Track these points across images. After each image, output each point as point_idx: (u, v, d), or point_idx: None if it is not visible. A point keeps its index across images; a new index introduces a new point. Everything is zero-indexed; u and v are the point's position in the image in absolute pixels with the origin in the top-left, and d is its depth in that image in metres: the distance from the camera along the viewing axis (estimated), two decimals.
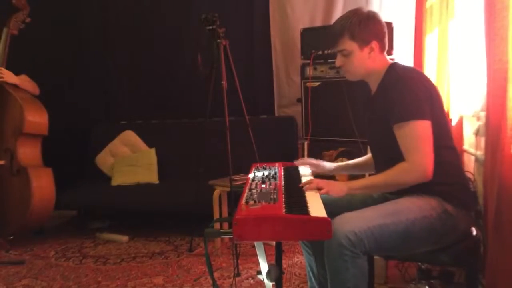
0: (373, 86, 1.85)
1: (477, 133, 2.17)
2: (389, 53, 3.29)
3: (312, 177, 2.01)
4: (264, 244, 1.67)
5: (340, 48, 1.80)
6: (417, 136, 1.62)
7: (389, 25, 3.31)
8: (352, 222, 1.53)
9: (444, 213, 1.65)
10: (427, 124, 1.63)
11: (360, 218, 1.57)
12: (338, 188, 1.72)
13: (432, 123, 1.65)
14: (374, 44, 1.77)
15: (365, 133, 2.01)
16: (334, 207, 1.76)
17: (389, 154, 1.72)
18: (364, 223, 1.54)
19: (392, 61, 1.82)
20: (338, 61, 1.84)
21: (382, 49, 1.80)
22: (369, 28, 1.75)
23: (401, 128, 1.65)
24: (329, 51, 3.24)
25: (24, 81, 3.56)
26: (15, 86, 3.52)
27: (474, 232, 1.77)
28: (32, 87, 3.60)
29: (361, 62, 1.79)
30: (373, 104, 1.84)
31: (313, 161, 2.11)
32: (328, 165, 2.10)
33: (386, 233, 1.57)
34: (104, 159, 4.08)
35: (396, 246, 1.64)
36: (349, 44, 1.77)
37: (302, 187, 1.74)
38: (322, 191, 1.70)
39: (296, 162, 2.15)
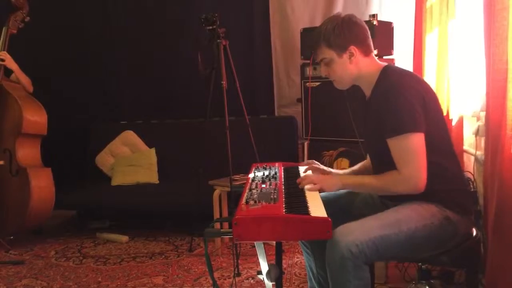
0: (367, 91, 1.82)
1: (477, 133, 2.17)
2: (389, 53, 3.29)
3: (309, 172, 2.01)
4: (264, 244, 1.67)
5: (320, 57, 1.79)
6: (410, 149, 1.60)
7: (389, 25, 3.31)
8: (354, 234, 1.52)
9: (445, 220, 1.63)
10: (421, 137, 1.61)
11: (362, 229, 1.55)
12: (332, 184, 1.75)
13: (428, 129, 1.62)
14: (353, 48, 1.72)
15: (362, 135, 2.00)
16: (334, 207, 1.77)
17: (383, 160, 1.71)
18: (365, 235, 1.52)
19: (385, 64, 1.78)
20: (323, 71, 1.83)
21: (365, 52, 1.75)
22: (344, 34, 1.71)
23: (395, 141, 1.63)
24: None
25: (21, 72, 3.54)
26: (15, 84, 3.53)
27: (474, 233, 1.77)
28: (27, 81, 3.57)
29: (343, 68, 1.76)
30: (368, 108, 1.82)
31: (322, 167, 2.06)
32: (334, 173, 2.06)
33: (387, 244, 1.56)
34: (104, 159, 4.08)
35: (397, 255, 1.64)
36: (327, 52, 1.75)
37: (299, 184, 1.75)
38: (316, 186, 1.72)
39: (304, 162, 2.13)
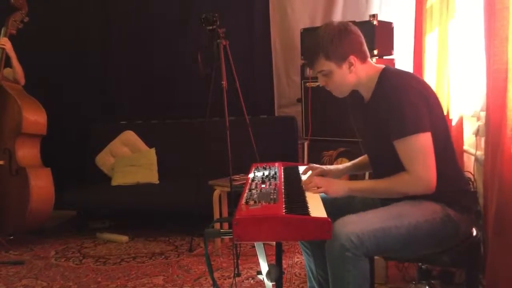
0: (366, 94, 1.80)
1: (477, 133, 2.17)
2: (389, 53, 3.29)
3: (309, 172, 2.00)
4: (264, 244, 1.67)
5: (318, 70, 1.76)
6: (418, 149, 1.59)
7: (389, 25, 3.31)
8: (355, 224, 1.52)
9: (447, 217, 1.64)
10: (428, 136, 1.60)
11: (363, 220, 1.56)
12: (337, 188, 1.71)
13: (432, 130, 1.61)
14: (352, 58, 1.70)
15: (359, 138, 1.98)
16: (333, 207, 1.76)
17: (384, 161, 1.71)
18: (366, 226, 1.53)
19: (382, 66, 1.77)
20: (321, 81, 1.80)
21: (362, 59, 1.74)
22: (343, 44, 1.69)
23: (402, 143, 1.61)
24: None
25: (17, 62, 3.52)
26: (14, 84, 3.53)
27: (474, 233, 1.77)
28: (21, 73, 3.55)
29: (343, 78, 1.74)
30: (367, 112, 1.80)
31: (321, 167, 2.03)
32: (334, 169, 2.05)
33: (388, 236, 1.56)
34: (104, 159, 4.08)
35: (398, 249, 1.63)
36: (326, 64, 1.71)
37: (302, 186, 1.74)
38: (320, 190, 1.69)
39: (304, 170, 2.04)
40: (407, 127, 1.60)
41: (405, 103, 1.60)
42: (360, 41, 1.74)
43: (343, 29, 1.71)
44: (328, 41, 1.69)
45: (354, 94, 1.85)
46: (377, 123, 1.71)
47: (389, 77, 1.71)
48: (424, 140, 1.60)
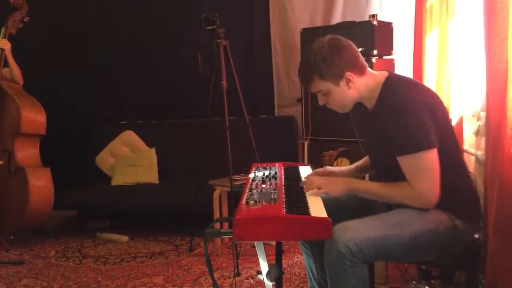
0: (369, 104, 1.75)
1: (477, 133, 2.17)
2: (389, 53, 3.29)
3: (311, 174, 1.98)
4: (264, 244, 1.67)
5: (315, 90, 1.72)
6: (423, 166, 1.56)
7: (389, 25, 3.31)
8: (353, 232, 1.51)
9: (452, 228, 1.62)
10: (433, 153, 1.56)
11: (362, 227, 1.54)
12: (338, 188, 1.71)
13: (439, 141, 1.58)
14: (349, 74, 1.64)
15: (360, 139, 1.96)
16: (333, 207, 1.76)
17: (389, 168, 1.68)
18: (365, 233, 1.52)
19: (385, 75, 1.71)
20: (321, 101, 1.75)
21: (360, 72, 1.68)
22: (335, 62, 1.62)
23: (407, 159, 1.58)
24: None
25: (15, 62, 3.51)
26: (13, 84, 3.53)
27: (476, 235, 1.77)
28: (19, 72, 3.55)
29: (343, 95, 1.69)
30: (370, 120, 1.77)
31: (326, 169, 2.01)
32: (338, 171, 2.03)
33: (388, 245, 1.54)
34: (104, 159, 4.08)
35: (397, 257, 1.63)
36: (322, 85, 1.67)
37: (303, 186, 1.73)
38: (321, 190, 1.69)
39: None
40: (413, 144, 1.56)
41: (412, 118, 1.56)
42: (354, 55, 1.67)
43: (333, 46, 1.64)
44: (320, 60, 1.63)
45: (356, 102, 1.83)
46: (381, 133, 1.68)
47: (393, 88, 1.66)
48: (430, 157, 1.56)
